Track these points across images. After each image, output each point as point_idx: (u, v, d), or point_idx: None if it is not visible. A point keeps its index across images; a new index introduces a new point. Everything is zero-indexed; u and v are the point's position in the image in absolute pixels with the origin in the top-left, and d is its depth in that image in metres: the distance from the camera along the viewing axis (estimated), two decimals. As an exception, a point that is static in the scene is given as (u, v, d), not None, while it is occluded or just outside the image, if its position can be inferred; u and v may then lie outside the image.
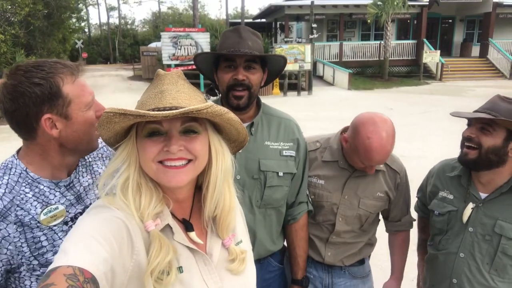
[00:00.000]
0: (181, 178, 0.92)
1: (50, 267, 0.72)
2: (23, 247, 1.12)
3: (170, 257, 0.89)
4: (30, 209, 1.14)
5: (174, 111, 0.84)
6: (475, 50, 23.12)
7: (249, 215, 1.64)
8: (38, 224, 1.15)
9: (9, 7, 16.67)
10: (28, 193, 1.15)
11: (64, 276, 0.68)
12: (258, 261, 1.70)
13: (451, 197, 1.71)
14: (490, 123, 1.53)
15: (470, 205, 1.62)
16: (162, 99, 0.91)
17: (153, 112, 0.83)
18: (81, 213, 1.24)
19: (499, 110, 1.53)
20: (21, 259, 1.13)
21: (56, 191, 1.22)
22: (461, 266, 1.62)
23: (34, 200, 1.15)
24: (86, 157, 1.37)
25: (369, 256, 2.04)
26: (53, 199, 1.20)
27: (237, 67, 1.58)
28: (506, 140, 1.52)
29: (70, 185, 1.26)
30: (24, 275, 1.16)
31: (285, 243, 1.86)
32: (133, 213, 0.89)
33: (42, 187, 1.19)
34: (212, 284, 0.97)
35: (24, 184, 1.15)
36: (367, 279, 1.97)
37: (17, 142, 1.20)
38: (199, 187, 1.04)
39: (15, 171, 1.17)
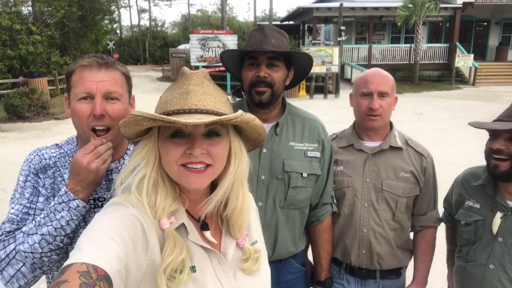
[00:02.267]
0: (201, 181, 0.93)
1: (65, 263, 0.74)
2: (51, 199, 1.27)
3: (183, 256, 0.89)
4: (65, 174, 1.31)
5: (204, 119, 0.84)
6: (511, 54, 22.25)
7: (272, 215, 1.64)
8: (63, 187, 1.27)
9: (46, 9, 17.35)
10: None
11: (77, 273, 0.70)
12: (280, 262, 1.70)
13: (477, 206, 1.65)
14: None
15: (499, 215, 1.56)
16: (188, 101, 0.91)
17: (183, 120, 0.83)
18: (105, 200, 1.30)
19: None
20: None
21: None
22: (492, 278, 1.56)
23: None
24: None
25: (406, 267, 1.94)
26: None
27: (259, 65, 1.59)
28: None
29: (107, 173, 1.31)
30: None
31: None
32: (147, 211, 0.90)
33: None
34: (226, 283, 0.97)
35: (71, 157, 1.34)
36: None
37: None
38: (215, 186, 1.04)
39: (69, 146, 1.38)
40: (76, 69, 1.25)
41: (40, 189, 1.28)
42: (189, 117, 0.86)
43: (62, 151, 1.36)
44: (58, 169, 1.32)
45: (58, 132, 10.16)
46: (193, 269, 0.93)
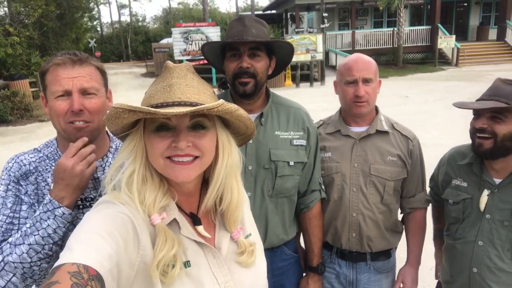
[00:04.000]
0: (187, 173, 0.92)
1: (55, 264, 0.73)
2: (35, 206, 1.26)
3: (175, 250, 0.89)
4: (48, 178, 1.29)
5: (184, 109, 0.83)
6: (492, 33, 22.49)
7: (261, 204, 1.65)
8: (47, 192, 1.26)
9: (22, 9, 16.95)
10: (52, 166, 1.31)
11: (68, 273, 0.69)
12: (272, 250, 1.71)
13: (464, 184, 1.68)
14: (501, 111, 1.48)
15: (486, 192, 1.60)
16: (171, 93, 0.90)
17: (163, 110, 0.82)
18: (92, 199, 1.29)
19: (505, 95, 1.50)
20: (32, 214, 1.25)
21: None
22: (481, 254, 1.59)
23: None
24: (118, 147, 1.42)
25: (396, 248, 1.97)
26: None
27: (241, 55, 1.59)
28: None
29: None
30: None
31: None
32: (138, 207, 0.89)
33: None
34: (221, 277, 0.97)
35: (52, 160, 1.33)
36: (390, 273, 1.94)
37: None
38: (206, 180, 1.04)
39: (49, 149, 1.36)
40: (50, 67, 1.25)
41: (23, 197, 1.27)
42: (171, 109, 0.85)
43: (42, 154, 1.34)
44: (40, 174, 1.29)
45: (44, 134, 10.01)
46: (187, 263, 0.93)
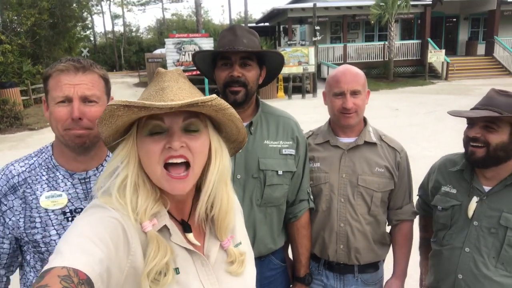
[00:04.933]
0: (183, 186, 0.92)
1: (45, 267, 0.72)
2: (19, 222, 1.24)
3: (168, 258, 0.88)
4: (37, 190, 1.26)
5: (179, 102, 0.83)
6: (481, 48, 22.96)
7: (249, 213, 1.64)
8: (38, 205, 1.24)
9: (15, 17, 16.90)
10: (43, 176, 1.29)
11: (58, 277, 0.68)
12: (259, 259, 1.70)
13: (454, 191, 1.69)
14: (494, 120, 1.50)
15: (475, 199, 1.61)
16: (163, 96, 0.90)
17: (158, 103, 0.82)
18: (82, 210, 1.27)
19: (498, 105, 1.52)
20: (18, 232, 1.25)
21: (69, 181, 1.29)
22: (467, 261, 1.60)
23: (45, 183, 1.28)
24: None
25: (384, 261, 1.97)
26: (62, 187, 1.27)
27: (232, 65, 1.60)
28: None
29: (85, 180, 1.31)
30: (24, 249, 1.30)
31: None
32: (129, 214, 0.88)
33: (58, 174, 1.30)
34: (209, 285, 0.97)
35: (44, 168, 1.30)
36: (378, 285, 1.93)
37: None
38: (198, 188, 1.04)
39: (43, 155, 1.33)
40: (53, 73, 1.24)
41: (8, 212, 1.25)
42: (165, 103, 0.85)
43: (33, 161, 1.32)
44: (28, 186, 1.27)
45: (33, 142, 9.89)
46: (176, 270, 0.92)
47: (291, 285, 1.88)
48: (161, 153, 0.90)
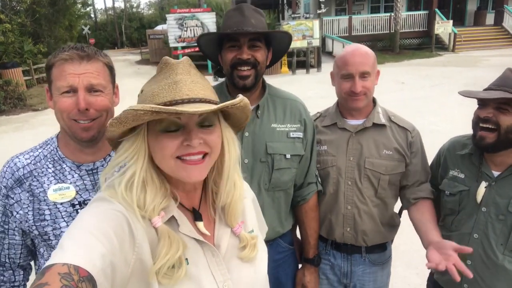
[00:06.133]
0: (200, 173, 0.91)
1: (47, 263, 0.72)
2: (28, 215, 1.24)
3: (180, 252, 0.88)
4: (44, 183, 1.25)
5: (208, 107, 0.83)
6: (490, 18, 22.35)
7: (257, 198, 1.63)
8: (46, 198, 1.23)
9: (14, -5, 16.64)
10: (50, 168, 1.27)
11: (58, 275, 0.68)
12: (267, 243, 1.70)
13: (462, 176, 1.65)
14: (509, 102, 1.45)
15: (483, 184, 1.57)
16: (177, 90, 0.88)
17: (191, 110, 0.80)
18: None
19: None
20: (26, 225, 1.24)
21: (76, 173, 1.28)
22: (476, 247, 1.57)
23: (52, 176, 1.26)
24: None
25: (392, 241, 1.95)
26: (70, 179, 1.26)
27: (241, 47, 1.55)
28: None
29: (93, 171, 1.29)
30: (35, 242, 1.30)
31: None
32: (135, 211, 0.87)
33: (64, 166, 1.28)
34: (219, 276, 0.96)
35: (50, 160, 1.28)
36: (386, 264, 1.92)
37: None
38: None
39: (49, 147, 1.31)
40: (56, 62, 1.21)
41: (15, 206, 1.25)
42: (187, 107, 0.84)
43: (38, 153, 1.30)
44: (35, 179, 1.25)
45: (38, 123, 9.93)
46: (186, 261, 0.92)
47: (300, 267, 1.89)
48: (177, 149, 0.89)
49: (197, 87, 0.90)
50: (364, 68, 1.69)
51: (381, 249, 1.89)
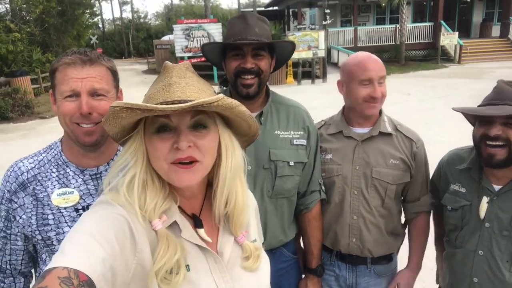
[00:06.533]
0: (190, 177, 0.90)
1: (47, 267, 0.72)
2: (31, 219, 1.23)
3: (178, 256, 0.86)
4: (48, 187, 1.24)
5: (183, 104, 0.81)
6: (496, 30, 22.32)
7: (260, 205, 1.61)
8: (49, 202, 1.23)
9: (24, 5, 16.92)
10: (54, 173, 1.27)
11: (58, 279, 0.68)
12: (270, 251, 1.69)
13: (463, 190, 1.61)
14: None
15: (485, 199, 1.53)
16: (170, 93, 0.88)
17: (161, 106, 0.80)
18: None
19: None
20: (29, 230, 1.24)
21: (80, 178, 1.27)
22: (481, 264, 1.53)
23: (56, 180, 1.26)
24: None
25: (397, 251, 1.93)
26: (73, 184, 1.26)
27: (245, 55, 1.56)
28: None
29: (97, 176, 1.29)
30: (37, 248, 1.29)
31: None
32: (137, 212, 0.87)
33: (68, 170, 1.28)
34: (222, 283, 0.95)
35: (54, 165, 1.28)
36: (392, 276, 1.89)
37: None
38: (210, 183, 1.02)
39: (53, 152, 1.31)
40: (59, 66, 1.21)
41: (18, 210, 1.24)
42: (170, 106, 0.83)
43: (42, 158, 1.29)
44: (39, 183, 1.25)
45: (45, 131, 10.00)
46: (187, 268, 0.91)
47: (303, 276, 1.87)
48: (169, 151, 0.88)
49: (190, 90, 0.89)
50: (382, 73, 1.68)
51: (387, 260, 1.86)
